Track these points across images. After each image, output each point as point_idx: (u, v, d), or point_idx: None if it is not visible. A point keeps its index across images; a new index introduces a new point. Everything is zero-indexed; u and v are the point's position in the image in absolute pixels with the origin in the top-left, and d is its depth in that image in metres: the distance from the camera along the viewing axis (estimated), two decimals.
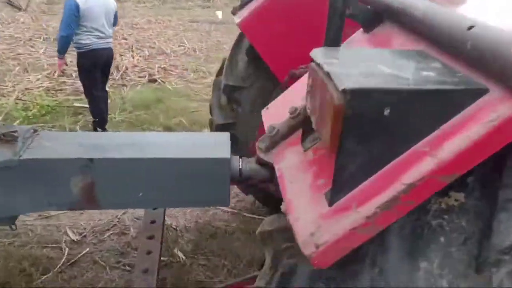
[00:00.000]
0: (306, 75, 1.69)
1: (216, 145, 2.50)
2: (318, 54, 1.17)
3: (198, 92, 6.89)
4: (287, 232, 1.59)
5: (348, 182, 1.05)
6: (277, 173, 1.34)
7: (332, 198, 1.06)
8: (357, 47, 1.56)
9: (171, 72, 7.58)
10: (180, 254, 3.14)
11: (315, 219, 1.07)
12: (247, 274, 2.96)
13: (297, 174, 1.25)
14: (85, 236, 3.41)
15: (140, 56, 8.18)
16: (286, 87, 3.02)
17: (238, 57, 3.32)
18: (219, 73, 3.53)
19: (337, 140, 1.00)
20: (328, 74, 1.02)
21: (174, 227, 3.46)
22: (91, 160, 2.24)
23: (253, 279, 2.45)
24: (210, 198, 2.50)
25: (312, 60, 1.18)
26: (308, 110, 1.21)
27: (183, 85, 7.08)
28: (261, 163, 2.57)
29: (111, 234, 3.44)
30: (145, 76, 7.28)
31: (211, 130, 3.64)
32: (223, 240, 3.33)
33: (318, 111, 1.10)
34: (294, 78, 2.96)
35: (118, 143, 2.42)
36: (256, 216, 3.64)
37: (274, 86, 3.33)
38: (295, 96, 1.58)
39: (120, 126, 5.58)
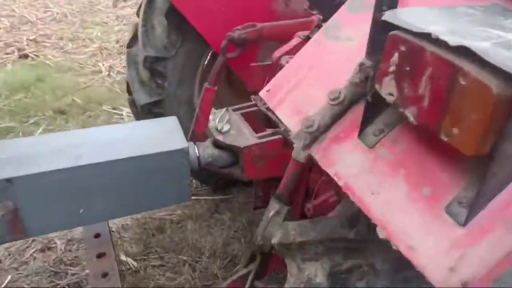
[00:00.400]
0: (311, 44, 1.33)
1: (166, 133, 2.07)
2: (404, 19, 0.85)
3: (83, 64, 6.05)
4: (325, 244, 1.31)
5: (491, 191, 0.78)
6: (339, 181, 1.02)
7: (469, 215, 0.79)
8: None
9: (45, 44, 6.53)
10: (129, 260, 2.69)
11: (447, 247, 0.80)
12: (213, 268, 2.66)
13: (375, 181, 0.95)
14: (0, 261, 2.77)
15: (0, 28, 6.91)
16: (226, 54, 2.62)
17: (154, 21, 2.81)
18: (131, 43, 2.98)
19: (490, 140, 0.72)
20: (463, 50, 0.71)
21: (112, 230, 2.96)
22: (9, 181, 1.71)
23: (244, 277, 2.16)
24: (169, 197, 2.11)
25: (393, 27, 0.86)
26: (390, 97, 0.89)
27: (63, 58, 6.16)
28: (220, 146, 2.22)
29: (34, 252, 2.84)
30: (14, 52, 6.17)
31: (134, 113, 3.12)
32: (172, 233, 2.94)
33: (429, 99, 0.80)
34: (234, 43, 2.57)
35: (41, 150, 1.87)
36: (200, 198, 3.28)
37: (203, 50, 2.90)
38: (309, 72, 1.24)
39: (0, 118, 4.67)
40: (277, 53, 2.23)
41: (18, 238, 1.83)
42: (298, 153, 1.86)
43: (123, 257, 2.71)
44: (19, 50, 6.19)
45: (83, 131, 2.09)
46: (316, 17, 2.50)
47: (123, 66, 6.16)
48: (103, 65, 6.05)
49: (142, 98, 2.88)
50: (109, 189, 1.91)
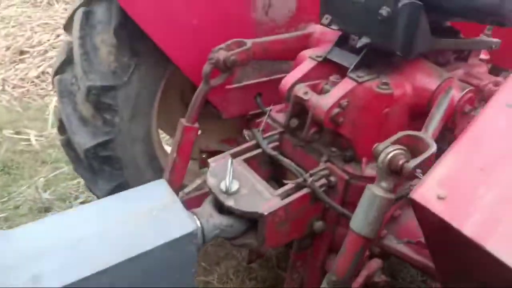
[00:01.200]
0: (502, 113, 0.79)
1: (160, 210, 1.45)
2: None
3: None
4: None
5: None
6: None
7: None
8: None
9: None
10: None
11: None
12: None
13: None
14: None
15: None
16: (210, 81, 1.95)
17: (96, 40, 2.11)
18: (62, 68, 2.23)
19: None
20: None
21: None
22: None
23: None
24: None
25: None
26: None
27: None
28: (227, 211, 1.64)
29: None
30: None
31: (71, 156, 2.37)
32: None
33: None
34: (219, 67, 1.93)
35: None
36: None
37: (161, 72, 2.25)
38: None
39: None
40: (288, 81, 1.71)
41: None
42: (363, 225, 1.37)
43: None
44: None
45: (38, 224, 1.37)
46: (317, 27, 2.01)
47: (20, 78, 5.17)
48: None
49: (85, 140, 2.16)
50: None
